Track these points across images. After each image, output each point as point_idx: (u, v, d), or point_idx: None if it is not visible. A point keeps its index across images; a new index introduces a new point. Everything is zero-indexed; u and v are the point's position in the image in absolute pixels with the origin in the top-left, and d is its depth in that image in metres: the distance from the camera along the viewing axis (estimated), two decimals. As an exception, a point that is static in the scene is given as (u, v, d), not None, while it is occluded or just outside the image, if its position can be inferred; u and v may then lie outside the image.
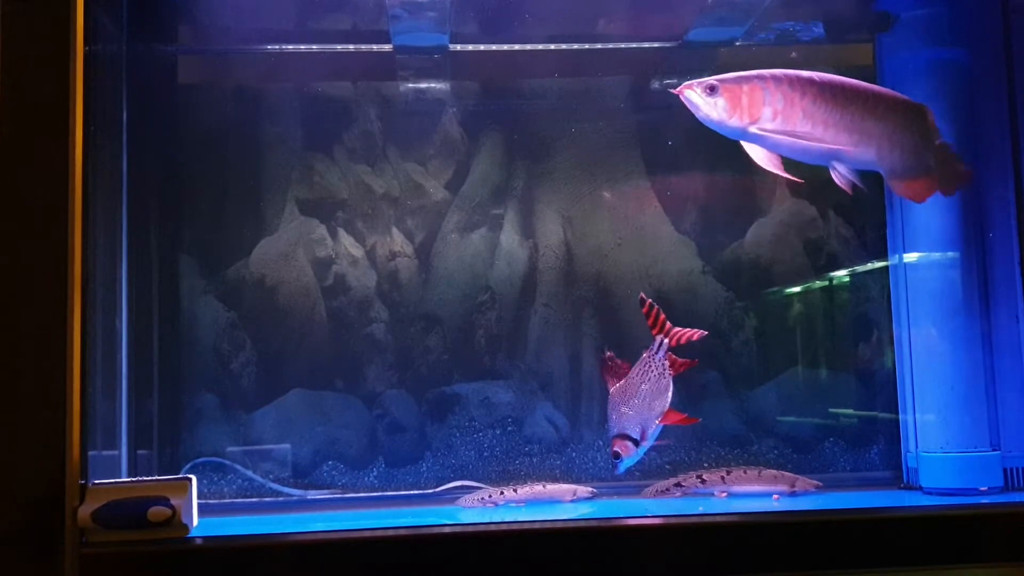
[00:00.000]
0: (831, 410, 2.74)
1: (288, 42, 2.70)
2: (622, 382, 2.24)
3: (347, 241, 2.72)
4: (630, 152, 2.80)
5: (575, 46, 2.74)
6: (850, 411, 2.74)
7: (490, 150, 2.79)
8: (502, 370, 2.71)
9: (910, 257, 2.58)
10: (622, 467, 2.18)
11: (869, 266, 2.76)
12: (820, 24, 2.75)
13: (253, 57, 2.74)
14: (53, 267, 1.79)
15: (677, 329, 2.25)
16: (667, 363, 2.22)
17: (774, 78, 2.18)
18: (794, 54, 2.77)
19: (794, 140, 2.16)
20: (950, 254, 2.50)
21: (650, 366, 2.21)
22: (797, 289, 2.80)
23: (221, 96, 2.77)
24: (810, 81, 2.19)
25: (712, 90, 2.17)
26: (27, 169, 1.80)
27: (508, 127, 2.80)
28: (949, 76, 2.54)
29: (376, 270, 2.72)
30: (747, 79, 2.18)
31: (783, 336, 2.78)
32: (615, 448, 2.18)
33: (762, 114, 2.15)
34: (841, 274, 2.79)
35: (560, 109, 2.81)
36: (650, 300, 2.26)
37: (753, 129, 2.16)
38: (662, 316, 2.25)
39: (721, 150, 2.81)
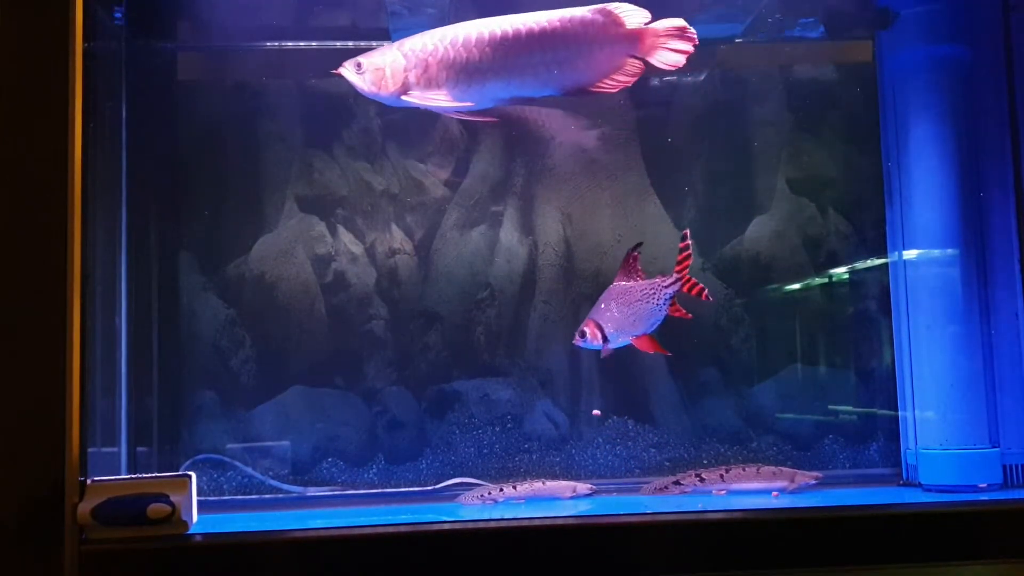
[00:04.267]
0: (830, 407, 2.74)
1: (287, 39, 2.69)
2: (627, 284, 2.35)
3: (347, 238, 2.72)
4: (630, 149, 2.80)
5: (575, 43, 2.73)
6: (849, 408, 2.74)
7: (490, 147, 2.79)
8: (501, 367, 2.71)
9: (909, 254, 2.58)
10: (582, 345, 2.33)
11: (868, 263, 2.76)
12: (820, 21, 2.75)
13: (252, 54, 2.74)
14: (53, 264, 1.79)
15: (694, 280, 2.35)
16: (670, 300, 2.29)
17: (412, 48, 2.31)
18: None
19: (446, 99, 2.30)
20: (950, 251, 2.50)
21: (657, 293, 2.29)
22: (797, 286, 2.80)
23: (220, 93, 2.76)
24: (442, 39, 2.30)
25: (359, 67, 2.31)
26: (26, 166, 1.80)
27: (508, 124, 2.79)
28: (949, 73, 2.54)
29: (376, 267, 2.72)
30: (388, 52, 2.31)
31: (782, 333, 2.78)
32: (584, 328, 2.32)
33: (407, 82, 2.29)
34: (841, 271, 2.79)
35: (559, 106, 2.80)
36: (691, 241, 2.36)
37: (404, 97, 2.30)
38: (690, 260, 2.35)
39: (721, 147, 2.84)
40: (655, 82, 2.86)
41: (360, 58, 2.32)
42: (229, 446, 2.59)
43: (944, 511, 2.04)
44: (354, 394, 2.67)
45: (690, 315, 2.35)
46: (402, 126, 2.77)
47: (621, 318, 2.29)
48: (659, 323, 2.34)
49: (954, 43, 2.54)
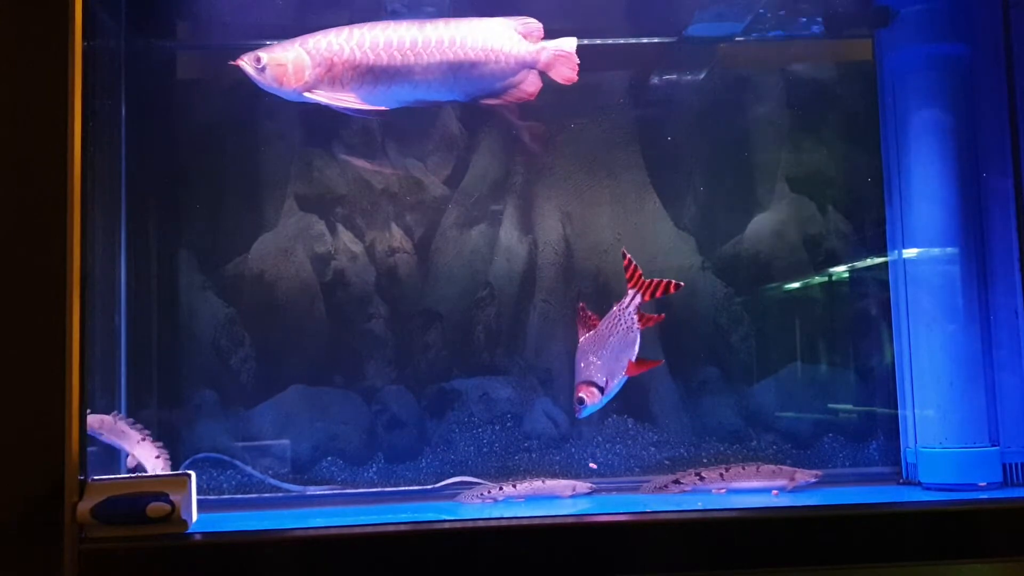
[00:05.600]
0: (830, 406, 2.74)
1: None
2: (591, 332, 2.28)
3: (346, 237, 2.72)
4: (629, 148, 2.80)
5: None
6: (849, 407, 2.74)
7: (489, 146, 2.79)
8: (501, 366, 2.71)
9: (909, 253, 2.58)
10: (585, 412, 2.21)
11: (868, 262, 2.76)
12: (819, 20, 2.75)
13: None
14: (52, 263, 1.78)
15: (651, 281, 2.29)
16: (636, 317, 2.24)
17: (317, 47, 2.32)
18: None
19: (351, 97, 2.32)
20: (949, 250, 2.50)
21: (620, 319, 2.25)
22: (796, 285, 2.80)
23: (220, 91, 2.76)
24: (350, 36, 2.33)
25: (258, 61, 2.30)
26: (25, 165, 1.80)
27: (507, 123, 2.79)
28: (948, 71, 2.53)
29: (375, 266, 2.72)
30: (291, 49, 2.32)
31: (782, 332, 2.78)
32: (580, 394, 2.21)
33: (310, 79, 2.30)
34: (840, 270, 2.79)
35: (559, 105, 2.80)
36: (630, 256, 2.29)
37: (307, 94, 2.31)
38: (639, 272, 2.29)
39: (721, 145, 2.84)
40: (655, 80, 2.87)
41: (261, 52, 2.32)
42: (229, 445, 2.59)
43: (944, 510, 2.04)
44: (354, 393, 2.67)
45: (662, 316, 2.32)
46: (401, 125, 2.77)
47: (605, 363, 2.21)
48: (638, 343, 2.28)
49: (954, 41, 2.54)
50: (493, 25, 2.39)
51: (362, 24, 2.36)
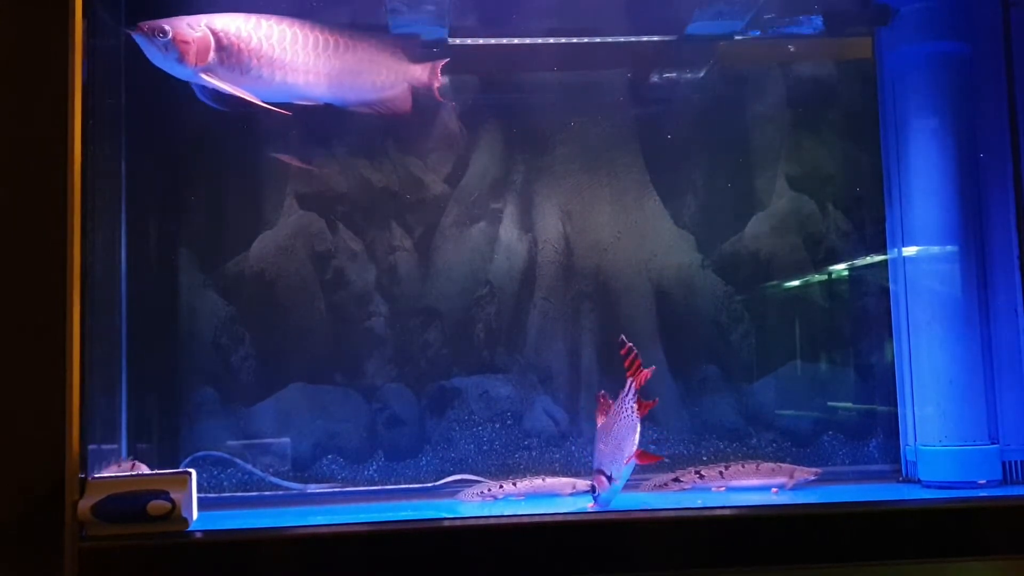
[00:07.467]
0: (830, 404, 2.74)
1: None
2: (605, 419, 2.28)
3: (346, 235, 2.72)
4: (629, 146, 2.80)
5: (575, 40, 2.73)
6: (849, 405, 2.75)
7: (489, 144, 2.79)
8: (501, 364, 2.71)
9: (909, 251, 2.58)
10: (601, 500, 2.20)
11: (868, 260, 2.76)
12: (820, 17, 2.75)
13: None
14: (52, 261, 1.79)
15: (643, 374, 2.29)
16: (635, 406, 2.24)
17: (225, 30, 2.34)
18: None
19: (246, 83, 2.37)
20: (949, 248, 2.50)
21: (623, 407, 2.25)
22: (796, 283, 2.80)
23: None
24: (258, 26, 2.37)
25: (163, 34, 2.29)
26: (26, 163, 1.80)
27: (507, 121, 2.79)
28: (948, 69, 2.53)
29: (375, 264, 2.72)
30: (196, 27, 2.32)
31: (782, 330, 2.78)
32: (592, 482, 2.22)
33: (210, 60, 2.32)
34: (840, 268, 2.80)
35: (559, 103, 2.80)
36: (630, 344, 2.28)
37: (203, 75, 2.32)
38: (638, 361, 2.29)
39: (721, 143, 2.84)
40: (655, 78, 2.87)
41: (165, 25, 2.30)
42: (229, 443, 2.59)
43: (943, 507, 2.04)
44: (354, 391, 2.67)
45: (656, 400, 2.32)
46: (401, 123, 2.77)
47: (611, 451, 2.21)
48: (639, 431, 2.26)
49: (954, 39, 2.54)
50: (378, 39, 2.50)
51: (269, 15, 2.41)
